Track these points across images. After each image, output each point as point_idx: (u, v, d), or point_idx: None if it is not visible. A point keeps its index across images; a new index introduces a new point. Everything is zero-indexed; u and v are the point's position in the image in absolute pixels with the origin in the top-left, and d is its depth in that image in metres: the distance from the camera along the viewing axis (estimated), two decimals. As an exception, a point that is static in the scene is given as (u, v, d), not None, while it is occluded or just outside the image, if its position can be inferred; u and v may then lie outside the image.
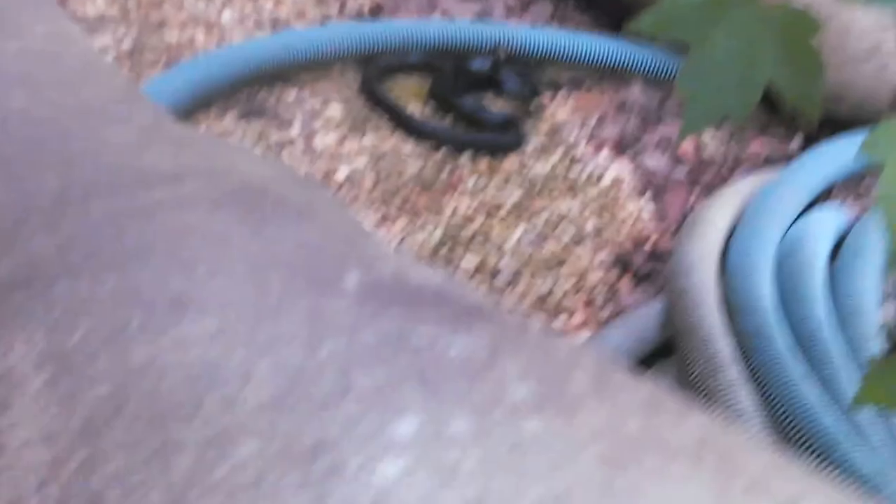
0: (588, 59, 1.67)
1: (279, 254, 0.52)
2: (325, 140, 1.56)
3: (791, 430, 1.03)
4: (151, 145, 0.64)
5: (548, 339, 0.51)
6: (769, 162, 1.53)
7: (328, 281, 0.50)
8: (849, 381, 1.07)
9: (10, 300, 0.51)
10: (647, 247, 1.40)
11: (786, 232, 1.31)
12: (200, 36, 1.75)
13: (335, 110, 1.62)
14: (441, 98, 1.63)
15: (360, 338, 0.47)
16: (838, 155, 1.42)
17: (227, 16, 1.80)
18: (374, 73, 1.66)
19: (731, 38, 0.80)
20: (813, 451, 1.00)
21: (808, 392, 1.05)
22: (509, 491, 0.40)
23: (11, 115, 0.66)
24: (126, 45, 1.70)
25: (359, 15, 1.82)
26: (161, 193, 0.56)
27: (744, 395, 1.07)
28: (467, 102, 1.61)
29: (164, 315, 0.48)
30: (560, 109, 1.65)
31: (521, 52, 1.68)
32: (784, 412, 1.05)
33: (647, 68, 1.66)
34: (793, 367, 1.07)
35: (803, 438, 1.01)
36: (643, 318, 1.23)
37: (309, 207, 0.61)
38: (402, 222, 1.42)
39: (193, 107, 1.56)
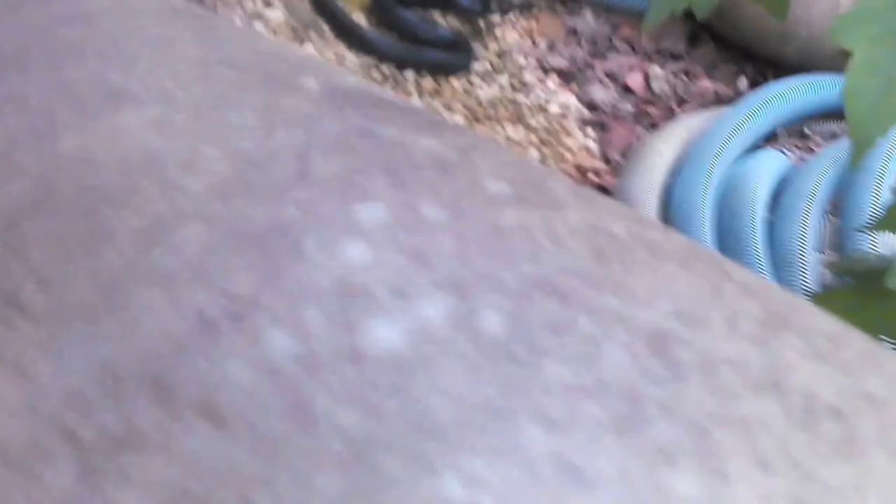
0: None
1: (230, 55, 0.48)
2: (265, 45, 1.49)
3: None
4: None
5: (520, 155, 0.47)
6: (716, 100, 1.50)
7: (284, 80, 0.46)
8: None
9: None
10: (590, 181, 1.37)
11: (728, 171, 1.29)
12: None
13: (276, 13, 1.55)
14: (383, 10, 1.57)
15: (320, 128, 0.43)
16: (785, 96, 1.40)
17: None
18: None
19: None
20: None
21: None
22: (488, 272, 0.37)
23: None
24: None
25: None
26: (102, 2, 0.52)
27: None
28: (409, 17, 1.55)
29: (97, 106, 0.44)
30: (509, 32, 1.60)
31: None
32: None
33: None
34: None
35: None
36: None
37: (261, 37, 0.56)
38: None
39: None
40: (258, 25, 1.52)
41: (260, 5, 1.55)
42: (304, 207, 0.38)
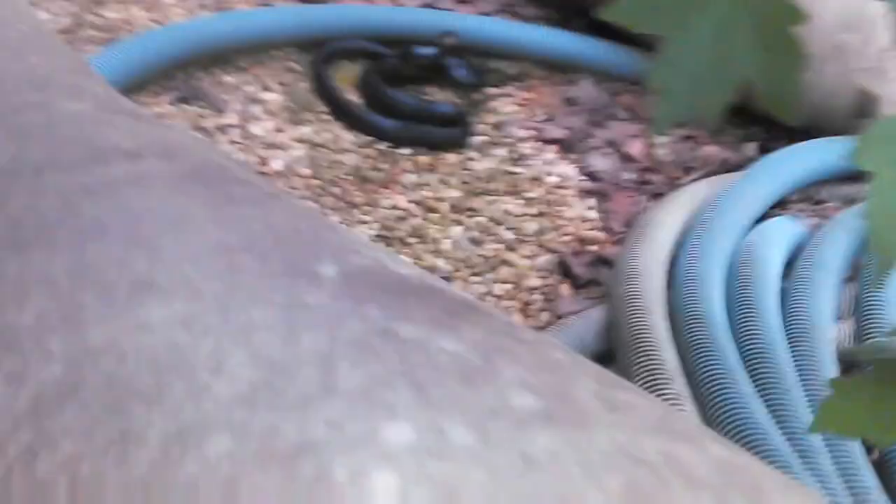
0: (537, 53, 1.57)
1: (248, 237, 0.47)
2: (262, 127, 1.45)
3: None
4: (107, 119, 0.59)
5: (541, 344, 0.46)
6: (723, 167, 1.43)
7: (303, 269, 0.45)
8: (798, 402, 0.98)
9: None
10: (590, 252, 1.29)
11: (738, 241, 1.21)
12: (141, 13, 1.63)
13: (274, 96, 1.50)
14: (371, 89, 1.52)
15: (342, 331, 0.42)
16: (795, 162, 1.32)
17: (168, -6, 1.68)
18: (320, 58, 1.55)
19: (708, 30, 0.71)
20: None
21: (755, 412, 0.95)
22: None
23: None
24: (64, 21, 1.59)
25: (303, -2, 1.70)
26: (118, 170, 0.51)
27: (688, 411, 0.97)
28: (397, 96, 1.50)
29: (125, 297, 0.43)
30: (506, 103, 1.54)
31: (469, 43, 1.57)
32: (729, 432, 0.94)
33: (597, 64, 1.56)
34: (741, 386, 0.97)
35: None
36: (581, 326, 1.13)
37: (273, 188, 0.56)
38: (335, 218, 1.31)
39: (129, 87, 1.45)
40: (257, 109, 1.48)
41: (258, 89, 1.51)
42: (333, 425, 0.37)
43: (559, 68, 1.60)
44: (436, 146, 1.45)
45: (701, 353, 1.02)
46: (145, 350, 0.40)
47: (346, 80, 1.54)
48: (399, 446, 0.36)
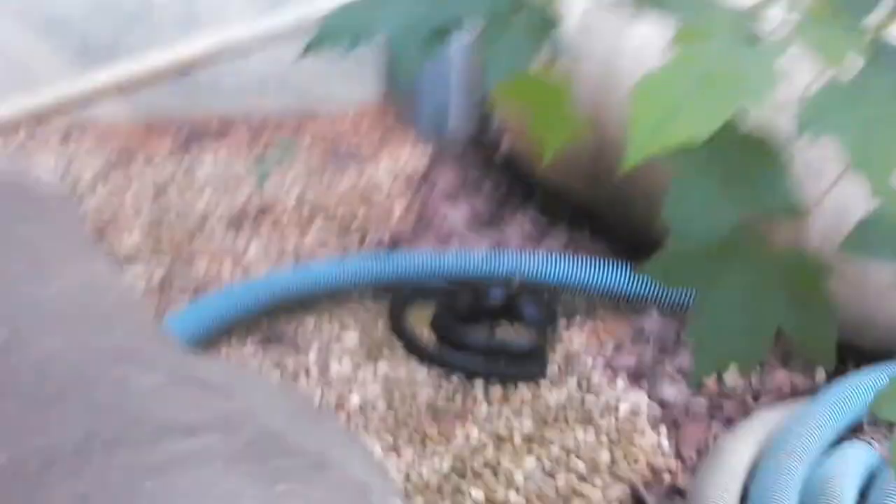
0: (603, 288, 1.55)
1: None
2: (340, 367, 1.43)
3: None
4: (175, 393, 0.62)
5: None
6: (793, 393, 1.36)
7: None
8: None
9: None
10: (664, 482, 1.22)
11: (811, 468, 1.13)
12: (227, 267, 1.67)
13: (352, 337, 1.50)
14: (443, 329, 1.51)
15: None
16: (865, 387, 1.25)
17: (254, 248, 1.72)
18: (397, 300, 1.55)
19: (739, 285, 0.69)
20: None
21: None
22: None
23: (49, 357, 0.65)
24: (157, 275, 1.63)
25: (379, 245, 1.72)
26: (179, 447, 0.53)
27: None
28: (468, 333, 1.49)
29: None
30: (576, 337, 1.51)
31: (537, 281, 1.56)
32: None
33: (662, 298, 1.53)
34: None
35: None
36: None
37: (321, 458, 0.57)
38: (410, 451, 1.26)
39: (216, 335, 1.46)
40: (336, 348, 1.46)
41: (337, 329, 1.51)
42: None
43: (626, 300, 1.57)
44: (510, 379, 1.41)
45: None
46: None
47: (421, 319, 1.53)
48: None
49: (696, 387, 1.36)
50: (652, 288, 1.53)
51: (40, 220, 0.94)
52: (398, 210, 1.85)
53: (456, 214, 1.81)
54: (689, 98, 0.55)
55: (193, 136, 2.12)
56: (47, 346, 0.66)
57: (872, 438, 1.22)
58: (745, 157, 0.69)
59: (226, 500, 0.49)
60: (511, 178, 1.94)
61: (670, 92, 0.56)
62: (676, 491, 1.20)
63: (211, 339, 1.45)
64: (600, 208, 1.73)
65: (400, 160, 2.09)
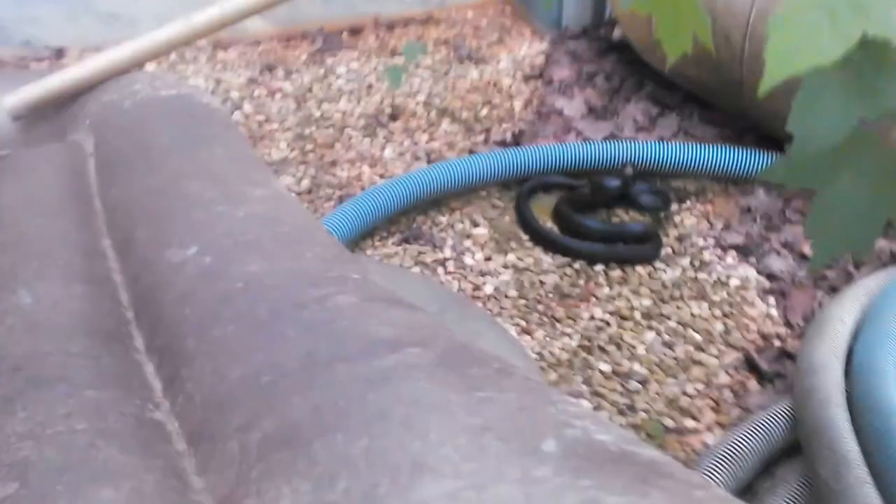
0: (713, 169, 1.63)
1: (488, 419, 0.53)
2: (473, 260, 1.57)
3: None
4: (370, 310, 0.65)
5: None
6: (893, 260, 1.43)
7: (532, 446, 0.51)
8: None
9: (276, 455, 0.53)
10: (774, 348, 1.33)
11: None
12: (366, 170, 1.80)
13: (482, 231, 1.63)
14: (562, 218, 1.62)
15: (564, 500, 0.47)
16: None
17: (388, 151, 1.85)
18: (521, 194, 1.67)
19: (854, 181, 0.77)
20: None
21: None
22: None
23: (252, 280, 0.69)
24: (305, 183, 1.77)
25: (503, 142, 1.84)
26: (388, 361, 0.57)
27: (872, 495, 0.99)
28: (586, 222, 1.60)
29: (407, 476, 0.49)
30: (687, 219, 1.61)
31: (652, 167, 1.65)
32: None
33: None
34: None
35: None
36: (770, 419, 1.16)
37: (504, 364, 0.61)
38: (541, 332, 1.40)
39: (362, 234, 1.61)
40: (468, 242, 1.60)
41: (468, 226, 1.64)
42: None
43: (735, 182, 1.65)
44: (630, 262, 1.52)
45: (880, 439, 1.03)
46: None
47: (544, 211, 1.65)
48: None
49: (814, 272, 1.44)
50: (760, 166, 1.61)
51: (217, 142, 0.96)
52: (518, 106, 1.95)
53: (572, 107, 1.90)
54: (818, 28, 0.64)
55: (327, 45, 2.26)
56: (250, 270, 0.70)
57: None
58: (867, 61, 0.76)
59: (439, 408, 0.53)
60: (623, 69, 2.01)
61: (801, 23, 0.64)
62: (786, 354, 1.31)
63: (357, 239, 1.60)
64: (710, 95, 1.80)
65: (518, 56, 2.18)
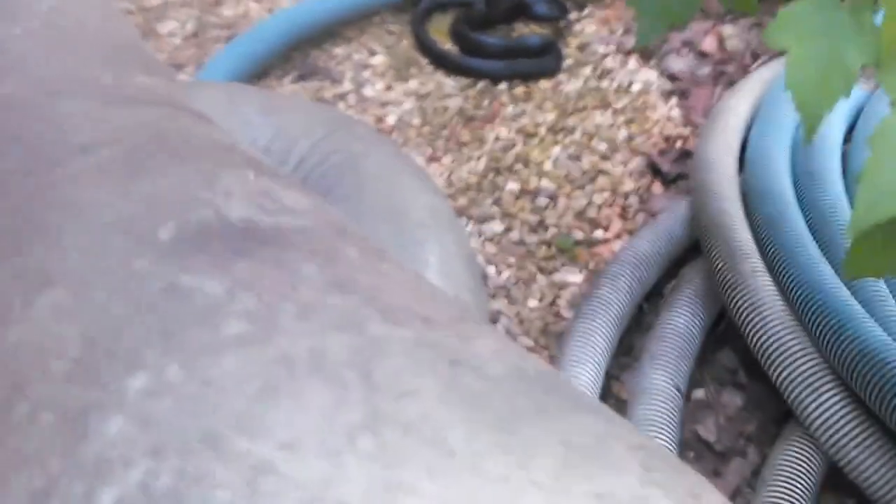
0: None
1: (121, 213, 0.50)
2: (374, 89, 1.54)
3: (806, 311, 0.97)
4: (92, 114, 0.60)
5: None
6: (789, 47, 1.43)
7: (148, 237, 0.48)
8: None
9: None
10: (676, 149, 1.34)
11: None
12: (253, 6, 1.74)
13: (380, 59, 1.59)
14: (461, 38, 1.59)
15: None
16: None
17: (276, -16, 1.78)
18: (416, 17, 1.63)
19: None
20: (828, 329, 0.94)
21: (822, 273, 0.99)
22: None
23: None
24: (189, 27, 1.70)
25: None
26: (75, 167, 0.53)
27: (765, 283, 1.02)
28: (484, 39, 1.56)
29: (34, 292, 0.46)
30: (588, 25, 1.58)
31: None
32: (800, 295, 0.98)
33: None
34: (807, 251, 1.01)
35: (818, 318, 0.95)
36: (671, 220, 1.19)
37: (179, 144, 0.56)
38: (448, 158, 1.40)
39: (255, 74, 1.56)
40: (367, 73, 1.57)
41: (366, 56, 1.60)
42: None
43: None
44: (532, 76, 1.51)
45: (771, 226, 1.05)
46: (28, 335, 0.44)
47: (441, 32, 1.62)
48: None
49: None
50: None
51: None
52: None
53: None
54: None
55: None
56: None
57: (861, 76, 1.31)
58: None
59: (82, 210, 0.49)
60: None
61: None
62: (688, 154, 1.32)
63: (250, 79, 1.56)
64: None
65: None
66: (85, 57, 0.69)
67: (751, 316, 0.97)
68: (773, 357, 0.94)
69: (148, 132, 0.57)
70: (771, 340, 0.95)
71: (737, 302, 0.99)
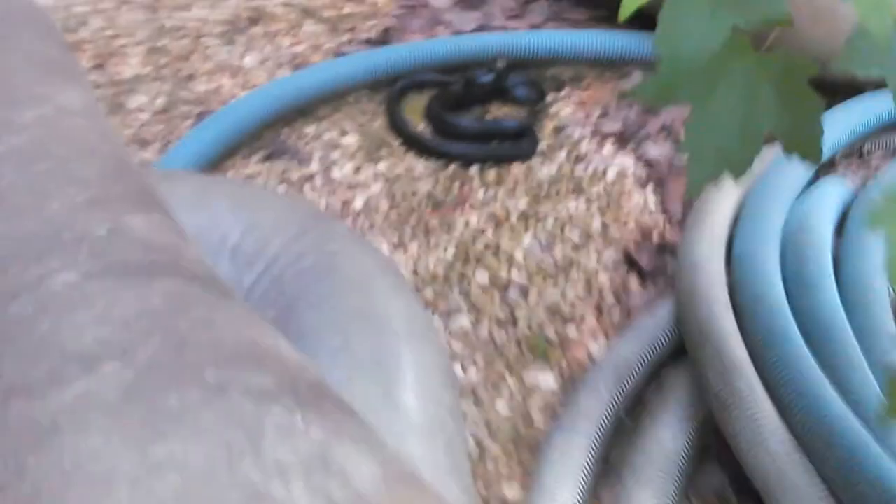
0: (588, 55, 1.56)
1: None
2: (342, 171, 1.48)
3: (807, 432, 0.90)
4: (86, 297, 0.50)
5: None
6: (771, 139, 1.38)
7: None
8: (863, 379, 0.95)
9: None
10: (653, 240, 1.28)
11: (790, 210, 1.18)
12: (226, 82, 1.69)
13: (351, 139, 1.54)
14: (434, 119, 1.54)
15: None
16: (836, 124, 1.27)
17: (249, 59, 1.73)
18: (391, 96, 1.58)
19: (731, 93, 0.73)
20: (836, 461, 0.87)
21: (827, 399, 0.92)
22: None
23: None
24: (160, 101, 1.65)
25: (368, 41, 1.73)
26: (69, 394, 0.44)
27: (763, 402, 0.95)
28: (458, 121, 1.52)
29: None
30: (564, 107, 1.53)
31: (524, 57, 1.57)
32: (803, 418, 0.92)
33: (646, 56, 1.54)
34: (809, 374, 0.94)
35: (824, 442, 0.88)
36: (653, 324, 1.11)
37: (221, 377, 0.47)
38: (415, 245, 1.33)
39: (224, 154, 1.51)
40: (336, 154, 1.51)
41: (337, 135, 1.55)
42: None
43: (611, 66, 1.58)
44: (505, 160, 1.45)
45: (765, 343, 0.99)
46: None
47: (416, 112, 1.57)
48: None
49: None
50: (635, 48, 1.54)
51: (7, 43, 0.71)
52: (382, 0, 1.84)
53: (439, -2, 1.80)
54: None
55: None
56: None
57: (845, 173, 1.26)
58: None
59: (98, 483, 0.41)
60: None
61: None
62: (665, 247, 1.26)
63: (218, 159, 1.51)
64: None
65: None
66: (66, 192, 0.57)
67: (749, 444, 0.91)
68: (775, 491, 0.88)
69: (160, 336, 0.48)
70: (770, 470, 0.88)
71: (733, 424, 0.93)
